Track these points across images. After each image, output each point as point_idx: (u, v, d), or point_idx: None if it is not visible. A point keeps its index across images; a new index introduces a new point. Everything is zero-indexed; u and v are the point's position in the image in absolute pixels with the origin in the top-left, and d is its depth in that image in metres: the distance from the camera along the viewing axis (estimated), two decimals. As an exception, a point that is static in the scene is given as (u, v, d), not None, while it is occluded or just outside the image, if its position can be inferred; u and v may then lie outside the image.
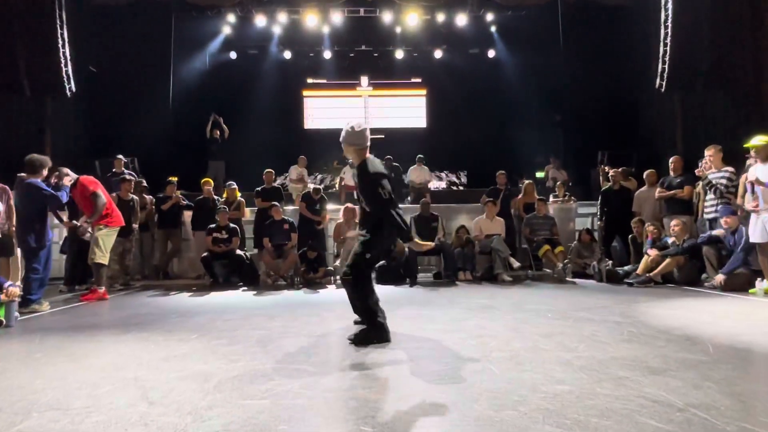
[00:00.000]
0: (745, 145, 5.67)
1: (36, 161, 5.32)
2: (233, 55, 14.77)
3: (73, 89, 9.47)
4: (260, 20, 13.17)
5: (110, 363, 2.99)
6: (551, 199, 9.30)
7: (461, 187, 14.34)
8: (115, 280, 7.21)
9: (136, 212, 7.50)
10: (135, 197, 7.58)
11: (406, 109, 15.86)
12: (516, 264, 7.47)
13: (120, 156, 8.81)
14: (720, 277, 5.67)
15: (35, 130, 9.82)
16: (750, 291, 5.41)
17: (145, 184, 8.53)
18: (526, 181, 9.03)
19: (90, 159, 10.00)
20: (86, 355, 3.23)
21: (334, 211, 8.52)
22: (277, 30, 13.90)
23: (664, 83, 9.28)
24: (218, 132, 10.75)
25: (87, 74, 10.97)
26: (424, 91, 15.87)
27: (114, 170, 8.69)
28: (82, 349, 3.39)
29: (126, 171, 8.69)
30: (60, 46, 9.06)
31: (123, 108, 11.36)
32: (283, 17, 13.22)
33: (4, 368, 2.95)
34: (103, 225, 5.93)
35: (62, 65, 9.13)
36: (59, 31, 9.04)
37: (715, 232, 6.01)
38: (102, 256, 5.94)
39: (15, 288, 4.43)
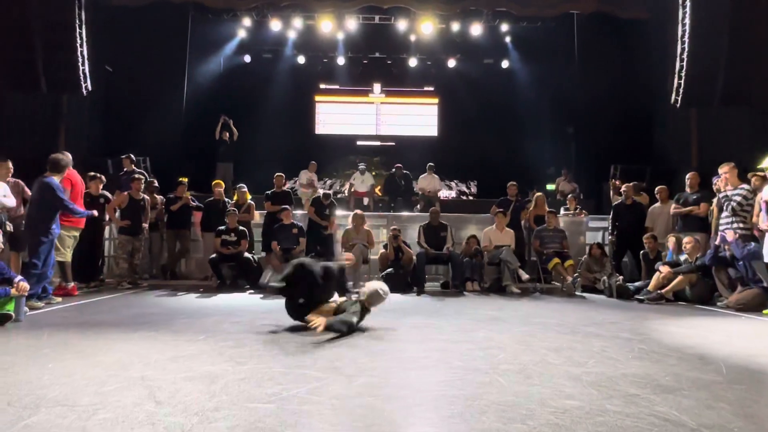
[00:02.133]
0: (758, 167, 5.59)
1: (60, 161, 5.38)
2: (247, 58, 14.90)
3: (90, 88, 9.56)
4: (275, 24, 13.28)
5: (117, 361, 2.99)
6: (562, 211, 9.24)
7: (471, 197, 14.31)
8: (124, 278, 7.26)
9: (146, 212, 7.55)
10: (146, 197, 7.64)
11: (418, 117, 15.88)
12: (525, 276, 7.41)
13: (130, 155, 8.88)
14: (734, 297, 5.55)
15: (51, 127, 9.93)
16: (764, 312, 5.32)
17: (156, 184, 8.58)
18: (537, 193, 8.98)
19: (103, 157, 10.10)
20: (94, 352, 3.24)
21: (343, 217, 8.52)
22: (291, 35, 14.00)
23: (679, 99, 9.20)
24: (227, 134, 10.80)
25: (103, 73, 11.10)
26: (436, 100, 15.90)
27: (125, 169, 8.77)
28: (89, 347, 3.40)
29: (137, 170, 8.77)
30: (78, 44, 9.17)
31: (137, 108, 11.47)
32: (298, 22, 13.32)
33: (12, 362, 2.96)
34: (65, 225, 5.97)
35: (79, 64, 9.23)
36: (78, 30, 9.16)
37: (728, 236, 5.88)
38: (62, 254, 6.00)
39: (25, 283, 4.47)
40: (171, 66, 12.34)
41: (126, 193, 7.43)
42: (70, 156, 5.61)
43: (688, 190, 7.09)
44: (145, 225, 7.53)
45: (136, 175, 7.80)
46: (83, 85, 9.41)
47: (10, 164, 5.67)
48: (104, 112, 11.59)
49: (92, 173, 7.39)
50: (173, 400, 2.27)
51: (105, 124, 11.61)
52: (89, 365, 2.90)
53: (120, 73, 11.64)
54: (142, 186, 7.60)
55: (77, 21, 9.17)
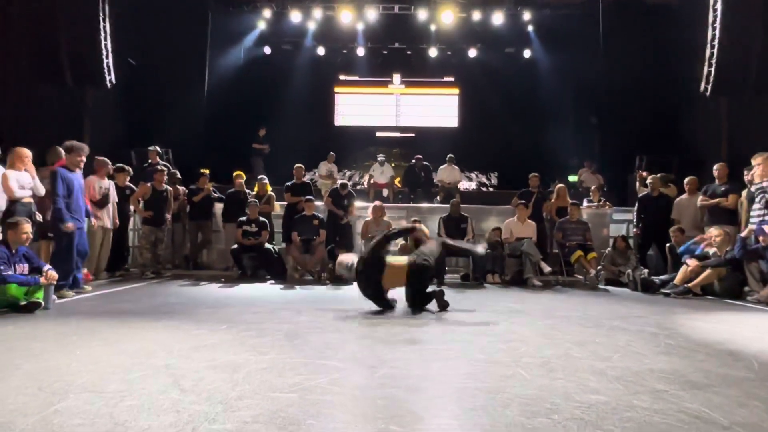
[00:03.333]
0: None
1: (60, 147, 5.41)
2: (267, 50, 14.93)
3: (113, 81, 9.71)
4: (295, 16, 13.26)
5: (142, 349, 3.04)
6: (585, 203, 9.08)
7: (491, 189, 14.16)
8: (147, 268, 7.39)
9: (169, 203, 7.66)
10: (168, 188, 7.74)
11: (438, 108, 15.73)
12: (547, 269, 7.31)
13: (156, 147, 9.00)
14: (765, 291, 5.39)
15: (75, 120, 10.12)
16: (796, 307, 5.16)
17: (178, 175, 8.69)
18: (559, 185, 8.83)
19: (126, 149, 10.27)
20: (119, 340, 3.30)
21: (363, 209, 8.52)
22: (311, 26, 13.97)
23: (709, 87, 8.90)
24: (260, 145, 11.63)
25: (126, 66, 11.26)
26: (456, 90, 15.72)
27: (149, 161, 8.89)
28: (115, 334, 3.47)
29: (160, 162, 8.89)
30: (102, 38, 9.30)
31: (159, 100, 11.62)
32: (318, 13, 13.29)
33: (42, 349, 3.03)
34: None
35: (104, 57, 9.37)
36: (102, 23, 9.29)
37: (762, 240, 5.71)
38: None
39: (53, 272, 4.58)
40: (192, 58, 12.45)
41: (149, 184, 7.54)
42: (71, 143, 5.45)
43: (716, 181, 6.89)
44: (168, 216, 7.64)
45: (159, 167, 7.90)
46: (107, 78, 9.56)
47: (24, 151, 5.39)
48: (127, 105, 11.76)
49: (120, 165, 7.52)
50: (197, 389, 2.29)
51: (128, 117, 11.79)
52: (115, 353, 2.95)
53: (142, 66, 11.79)
54: (165, 177, 7.70)
55: (101, 14, 9.29)
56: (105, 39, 9.41)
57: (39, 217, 5.55)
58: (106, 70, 9.47)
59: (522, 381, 2.51)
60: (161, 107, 11.53)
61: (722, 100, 9.75)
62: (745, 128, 9.39)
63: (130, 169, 7.70)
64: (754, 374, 2.74)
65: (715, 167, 6.99)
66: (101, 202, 6.72)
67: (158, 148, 9.01)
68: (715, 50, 8.71)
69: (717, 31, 8.71)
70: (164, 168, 7.96)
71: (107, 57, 9.49)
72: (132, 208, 7.57)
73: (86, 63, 9.34)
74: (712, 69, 8.78)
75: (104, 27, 9.38)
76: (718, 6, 8.70)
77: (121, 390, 2.27)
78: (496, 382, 2.49)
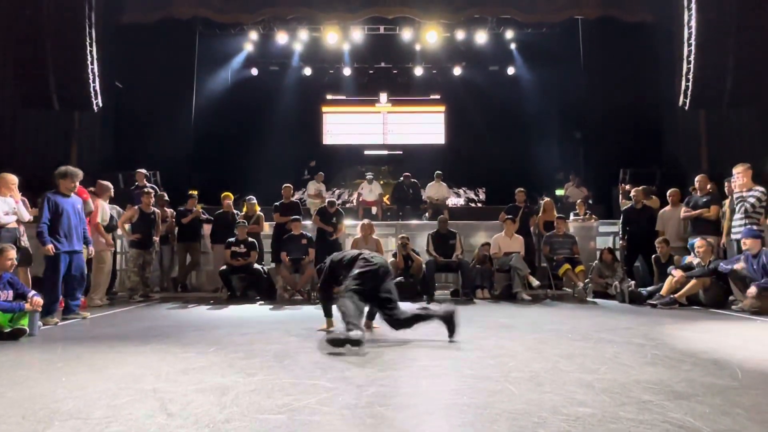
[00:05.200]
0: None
1: (56, 173, 5.43)
2: (255, 71, 15.08)
3: (100, 104, 9.73)
4: (282, 37, 13.43)
5: (129, 374, 3.02)
6: (571, 217, 9.19)
7: (479, 204, 14.27)
8: (135, 291, 7.32)
9: (157, 225, 7.62)
10: (156, 210, 7.71)
11: (425, 126, 15.92)
12: (535, 283, 7.36)
13: (142, 170, 8.99)
14: (752, 290, 5.46)
15: (63, 144, 10.10)
16: (779, 315, 5.24)
17: (166, 197, 8.67)
18: (546, 199, 8.94)
19: (114, 172, 10.24)
20: (106, 365, 3.26)
21: (352, 227, 8.54)
22: (298, 47, 14.16)
23: (687, 101, 9.14)
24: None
25: (113, 90, 11.29)
26: (443, 108, 15.93)
27: (136, 183, 8.86)
28: (102, 360, 3.43)
29: (148, 184, 8.87)
30: (89, 62, 9.34)
31: (147, 123, 11.65)
32: (304, 34, 13.47)
33: (26, 377, 2.99)
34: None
35: (90, 81, 9.40)
36: (89, 48, 9.34)
37: (736, 267, 5.80)
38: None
39: (38, 297, 4.52)
40: (179, 81, 12.53)
41: (136, 206, 7.51)
42: (65, 168, 5.46)
43: (698, 192, 7.03)
44: (156, 238, 7.60)
45: (147, 189, 7.88)
46: (94, 102, 9.57)
47: (11, 177, 5.39)
48: (115, 128, 11.78)
49: (147, 189, 7.77)
50: (184, 413, 2.28)
51: (116, 140, 11.79)
52: (102, 378, 2.92)
53: (130, 89, 11.83)
54: (153, 200, 7.68)
55: (88, 39, 9.35)
56: (92, 63, 9.46)
57: (25, 243, 5.50)
58: (93, 94, 9.50)
59: (510, 396, 2.53)
60: (149, 130, 11.56)
61: (700, 113, 10.01)
62: (722, 140, 9.63)
63: (152, 191, 7.81)
64: (737, 383, 2.79)
65: (696, 179, 7.14)
66: (110, 228, 6.88)
67: (145, 171, 8.99)
68: (692, 66, 8.98)
69: (692, 48, 8.98)
70: (151, 190, 7.94)
71: (94, 81, 9.52)
72: (119, 230, 7.53)
73: (73, 87, 9.37)
74: (689, 83, 9.02)
75: (91, 51, 9.42)
76: (693, 23, 8.99)
77: (107, 416, 2.25)
78: (484, 397, 2.51)
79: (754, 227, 5.83)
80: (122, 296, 7.52)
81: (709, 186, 7.04)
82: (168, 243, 8.35)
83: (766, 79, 8.59)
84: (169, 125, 11.88)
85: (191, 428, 2.09)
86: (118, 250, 8.18)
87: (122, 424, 2.15)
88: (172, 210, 8.48)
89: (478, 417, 2.22)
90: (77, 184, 5.50)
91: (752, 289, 5.47)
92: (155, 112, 11.79)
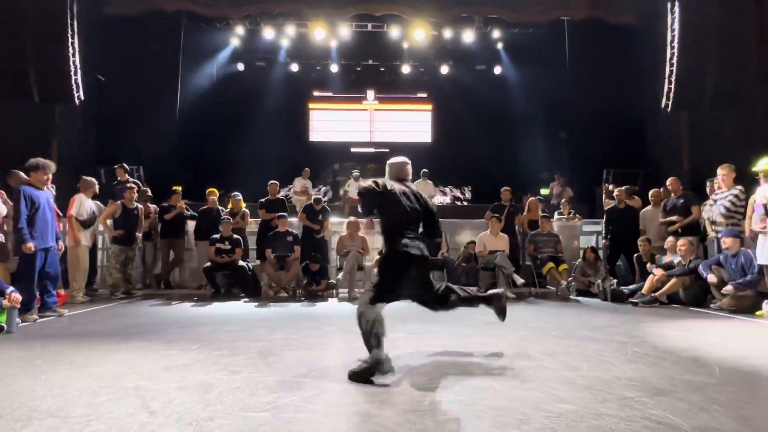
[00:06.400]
0: (752, 170, 5.63)
1: (27, 165, 5.31)
2: (241, 66, 14.92)
3: (82, 97, 9.53)
4: (268, 33, 13.31)
5: (110, 372, 2.97)
6: (556, 216, 9.28)
7: (465, 203, 14.34)
8: (117, 288, 7.21)
9: (139, 221, 7.52)
10: (139, 206, 7.61)
11: (412, 124, 15.92)
12: (520, 281, 7.42)
13: (123, 164, 8.84)
14: (728, 288, 5.57)
15: (43, 137, 9.88)
16: (757, 313, 5.35)
17: (149, 193, 8.55)
18: (531, 198, 9.01)
19: (96, 167, 10.06)
20: (86, 363, 3.21)
21: (338, 224, 8.52)
22: (284, 42, 14.04)
23: (670, 103, 9.29)
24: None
25: (95, 83, 11.09)
26: (429, 106, 15.95)
27: (118, 179, 8.72)
28: (82, 357, 3.37)
29: (130, 179, 8.73)
30: (70, 54, 9.15)
31: (130, 117, 11.46)
32: (291, 30, 13.36)
33: (4, 374, 2.93)
34: None
35: (72, 73, 9.21)
36: (70, 40, 9.14)
37: (710, 279, 5.90)
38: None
39: (17, 294, 4.43)
40: (164, 75, 12.35)
41: (119, 202, 7.40)
42: (37, 160, 5.32)
43: (672, 195, 7.15)
44: (139, 234, 7.49)
45: (129, 185, 7.76)
46: (76, 95, 9.38)
47: None
48: (97, 122, 11.56)
49: (130, 184, 7.60)
50: (167, 410, 2.26)
51: (98, 134, 11.57)
52: (82, 376, 2.88)
53: (113, 82, 11.62)
54: (135, 195, 7.56)
55: (69, 31, 9.15)
56: (74, 55, 9.26)
57: (1, 238, 5.38)
58: (74, 87, 9.31)
59: (494, 392, 2.55)
60: (132, 124, 11.37)
61: (682, 115, 10.17)
62: (703, 141, 9.80)
63: (135, 186, 7.68)
64: (715, 379, 2.85)
65: (668, 182, 7.26)
66: (88, 223, 6.68)
67: (125, 165, 8.83)
68: (674, 68, 9.12)
69: (675, 50, 9.12)
70: (134, 185, 7.82)
71: (76, 73, 9.33)
72: (100, 226, 7.41)
73: (54, 80, 9.16)
74: (672, 86, 9.17)
75: (72, 43, 9.23)
76: (676, 27, 9.13)
77: (87, 414, 2.21)
78: (468, 394, 2.52)
79: (734, 227, 5.94)
80: (103, 293, 7.41)
81: (681, 186, 7.17)
82: (151, 239, 8.23)
83: (746, 81, 8.76)
84: (153, 120, 11.71)
85: (173, 426, 2.06)
86: (100, 246, 8.06)
87: (103, 422, 2.12)
88: (155, 206, 8.36)
89: (463, 413, 2.24)
90: (50, 176, 5.35)
91: (728, 288, 5.59)
92: (139, 106, 11.61)
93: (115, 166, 8.86)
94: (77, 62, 9.36)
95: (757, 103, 8.61)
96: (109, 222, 7.34)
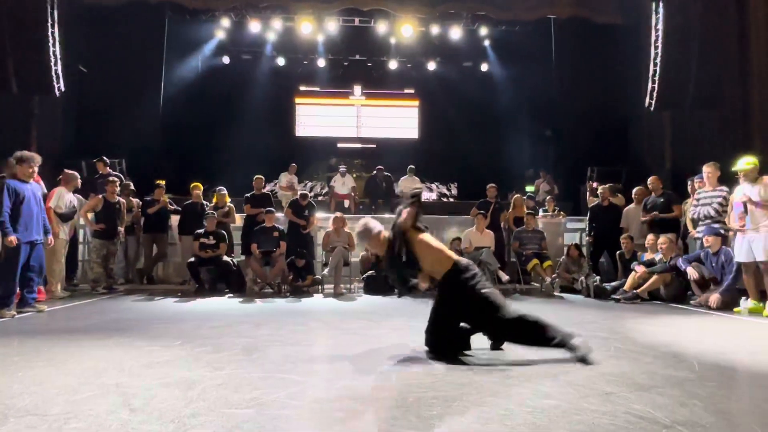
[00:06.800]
0: (732, 169, 5.72)
1: (11, 159, 5.20)
2: (226, 59, 14.74)
3: (62, 88, 9.33)
4: (254, 26, 13.17)
5: (91, 368, 2.92)
6: (540, 213, 9.37)
7: (451, 199, 14.39)
8: (98, 283, 7.10)
9: (122, 215, 7.41)
10: (122, 200, 7.49)
11: (399, 120, 15.91)
12: (505, 277, 7.48)
13: (103, 157, 8.69)
14: (714, 298, 5.62)
15: (22, 129, 9.66)
16: (735, 310, 5.47)
17: (132, 186, 8.43)
18: (516, 195, 9.08)
19: (76, 159, 9.87)
20: (66, 359, 3.15)
21: (324, 220, 8.49)
22: (271, 36, 13.90)
23: (653, 102, 9.42)
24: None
25: (76, 74, 10.86)
26: (416, 103, 15.95)
27: (99, 172, 8.57)
28: (61, 354, 3.31)
29: (112, 173, 8.58)
30: (50, 44, 8.95)
31: (112, 109, 11.24)
32: (277, 23, 13.24)
33: (-20, 371, 2.87)
34: None
35: (52, 64, 9.01)
36: (50, 29, 8.94)
37: (689, 273, 5.97)
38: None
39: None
40: (147, 66, 12.14)
41: (100, 196, 7.28)
42: (20, 153, 5.25)
43: (653, 194, 7.25)
44: (121, 229, 7.38)
45: (112, 178, 7.63)
46: (56, 86, 9.19)
47: None
48: (78, 114, 11.33)
49: (112, 177, 7.44)
50: (148, 408, 2.22)
51: (79, 126, 11.35)
52: (61, 373, 2.82)
53: (94, 73, 11.40)
54: (118, 189, 7.45)
55: (49, 20, 8.95)
56: (53, 45, 9.06)
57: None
58: (54, 78, 9.11)
59: (478, 388, 2.56)
60: (114, 116, 11.16)
61: (665, 114, 10.32)
62: (686, 141, 9.96)
63: (117, 180, 7.53)
64: (694, 374, 2.90)
65: (648, 181, 7.36)
66: (67, 216, 6.56)
67: (105, 159, 8.68)
68: (658, 68, 9.24)
69: (659, 51, 9.24)
70: (116, 179, 7.69)
71: (56, 64, 9.13)
72: (81, 220, 7.28)
73: (33, 70, 8.96)
74: (656, 85, 9.29)
75: (53, 33, 9.03)
76: (660, 27, 9.24)
77: (66, 412, 2.17)
78: (452, 390, 2.53)
79: (716, 225, 6.02)
80: (84, 288, 7.30)
81: (662, 185, 7.28)
82: (133, 233, 8.13)
83: (727, 82, 8.91)
84: (136, 112, 11.50)
85: (155, 423, 2.04)
86: (80, 240, 7.93)
87: (82, 420, 2.08)
88: (138, 200, 8.25)
89: (447, 409, 2.24)
90: (35, 169, 5.26)
91: (714, 297, 5.59)
92: (121, 98, 11.39)
93: (95, 160, 8.71)
94: (57, 52, 9.16)
95: (737, 103, 8.77)
96: (90, 216, 7.22)
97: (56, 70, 9.16)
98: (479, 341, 3.74)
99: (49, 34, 8.96)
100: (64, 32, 9.50)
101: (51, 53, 9.01)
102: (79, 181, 6.93)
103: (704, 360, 3.23)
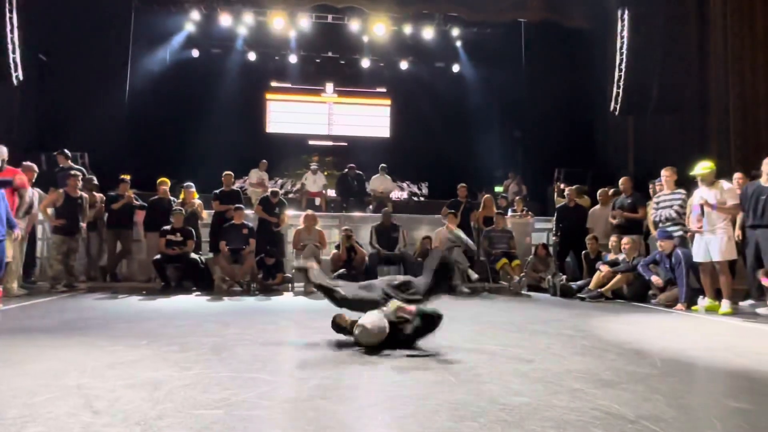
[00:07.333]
0: (690, 174, 5.92)
1: None
2: (195, 53, 14.42)
3: (21, 78, 8.94)
4: (225, 19, 12.93)
5: (50, 369, 2.80)
6: (509, 213, 9.51)
7: (422, 198, 14.48)
8: (58, 281, 6.83)
9: (84, 210, 7.14)
10: (84, 194, 7.23)
11: (370, 118, 15.91)
12: (474, 276, 7.57)
13: (64, 150, 8.36)
14: (680, 307, 5.76)
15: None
16: (692, 308, 5.68)
17: (95, 181, 8.15)
18: (486, 195, 9.20)
19: (36, 152, 9.45)
20: (23, 360, 3.01)
21: (295, 217, 8.40)
22: (242, 30, 13.68)
23: (617, 107, 9.72)
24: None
25: (36, 62, 10.41)
26: (388, 101, 15.99)
27: (60, 165, 8.25)
28: (18, 354, 3.17)
29: (74, 166, 8.27)
30: (8, 31, 8.56)
31: (74, 100, 10.83)
32: (249, 18, 13.02)
33: (-72, 373, 2.71)
34: None
35: (9, 51, 8.63)
36: (8, 14, 8.55)
37: (653, 280, 6.17)
38: None
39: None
40: (113, 57, 11.75)
41: (61, 190, 7.00)
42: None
43: (623, 194, 7.47)
44: (83, 224, 7.12)
45: (73, 172, 7.35)
46: (14, 75, 8.80)
47: None
48: (37, 104, 10.88)
49: (74, 171, 7.15)
50: (112, 410, 2.15)
51: (38, 117, 10.90)
52: (17, 374, 2.69)
53: (56, 62, 10.95)
54: (80, 183, 7.18)
55: (7, 5, 8.55)
56: (11, 32, 8.67)
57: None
58: (12, 66, 8.71)
59: (450, 386, 2.58)
60: (77, 108, 10.75)
61: (629, 119, 10.65)
62: (648, 144, 10.32)
63: (79, 174, 7.24)
64: (657, 370, 3.00)
65: (620, 181, 7.58)
66: (27, 211, 6.29)
67: (66, 151, 8.36)
68: (623, 74, 9.53)
69: (624, 56, 9.53)
70: (78, 173, 7.41)
71: (14, 51, 8.74)
72: (40, 215, 6.99)
73: (-11, 57, 8.56)
74: (620, 90, 9.58)
75: (11, 18, 8.63)
76: (625, 34, 9.53)
77: (23, 415, 2.07)
78: (425, 388, 2.54)
79: (672, 228, 6.23)
80: (43, 285, 7.00)
81: (632, 186, 7.51)
82: (96, 229, 7.85)
83: (688, 88, 9.27)
84: (100, 104, 11.10)
85: (120, 426, 1.97)
86: (39, 236, 7.61)
87: (41, 423, 1.99)
88: (101, 195, 7.97)
89: (420, 408, 2.25)
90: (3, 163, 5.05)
91: (679, 306, 5.73)
92: (84, 89, 10.98)
93: (56, 152, 8.38)
94: (15, 39, 8.77)
95: (696, 109, 9.13)
96: (50, 211, 6.93)
97: (14, 58, 8.78)
98: (451, 340, 3.78)
99: (7, 19, 8.57)
100: (24, 18, 9.11)
101: (9, 40, 8.62)
102: (36, 173, 6.65)
103: (665, 356, 3.35)
